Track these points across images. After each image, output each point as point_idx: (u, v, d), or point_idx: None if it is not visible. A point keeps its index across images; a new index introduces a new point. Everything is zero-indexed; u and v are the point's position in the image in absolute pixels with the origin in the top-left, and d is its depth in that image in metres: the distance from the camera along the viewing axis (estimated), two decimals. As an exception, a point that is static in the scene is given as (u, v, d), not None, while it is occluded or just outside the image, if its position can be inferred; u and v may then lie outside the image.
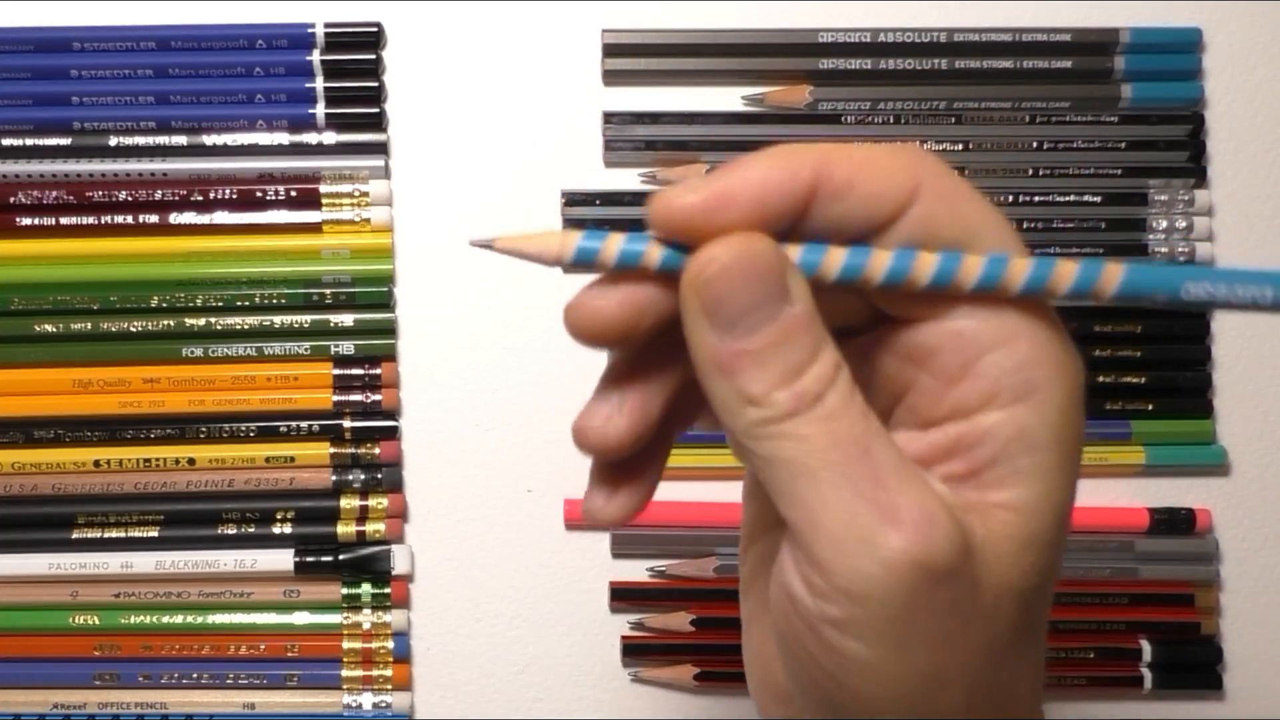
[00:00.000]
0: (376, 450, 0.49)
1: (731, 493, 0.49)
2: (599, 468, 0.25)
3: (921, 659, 0.21)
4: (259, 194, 0.49)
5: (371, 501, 0.49)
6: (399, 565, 0.48)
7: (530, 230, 0.23)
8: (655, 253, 0.22)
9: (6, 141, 0.49)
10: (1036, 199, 0.49)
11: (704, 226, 0.22)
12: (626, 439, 0.24)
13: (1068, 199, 0.50)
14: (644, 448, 0.24)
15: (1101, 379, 0.49)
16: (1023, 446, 0.22)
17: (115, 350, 0.49)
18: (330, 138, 0.49)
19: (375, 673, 0.48)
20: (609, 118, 0.49)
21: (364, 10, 0.50)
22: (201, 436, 0.49)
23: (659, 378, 0.24)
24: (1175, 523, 0.49)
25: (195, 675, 0.48)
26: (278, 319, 0.49)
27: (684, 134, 0.49)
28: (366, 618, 0.48)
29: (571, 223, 0.49)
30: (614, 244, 0.22)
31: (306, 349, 0.49)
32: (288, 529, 0.48)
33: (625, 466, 0.25)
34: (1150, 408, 0.50)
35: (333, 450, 0.49)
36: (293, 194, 0.49)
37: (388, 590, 0.48)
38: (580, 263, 0.23)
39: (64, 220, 0.49)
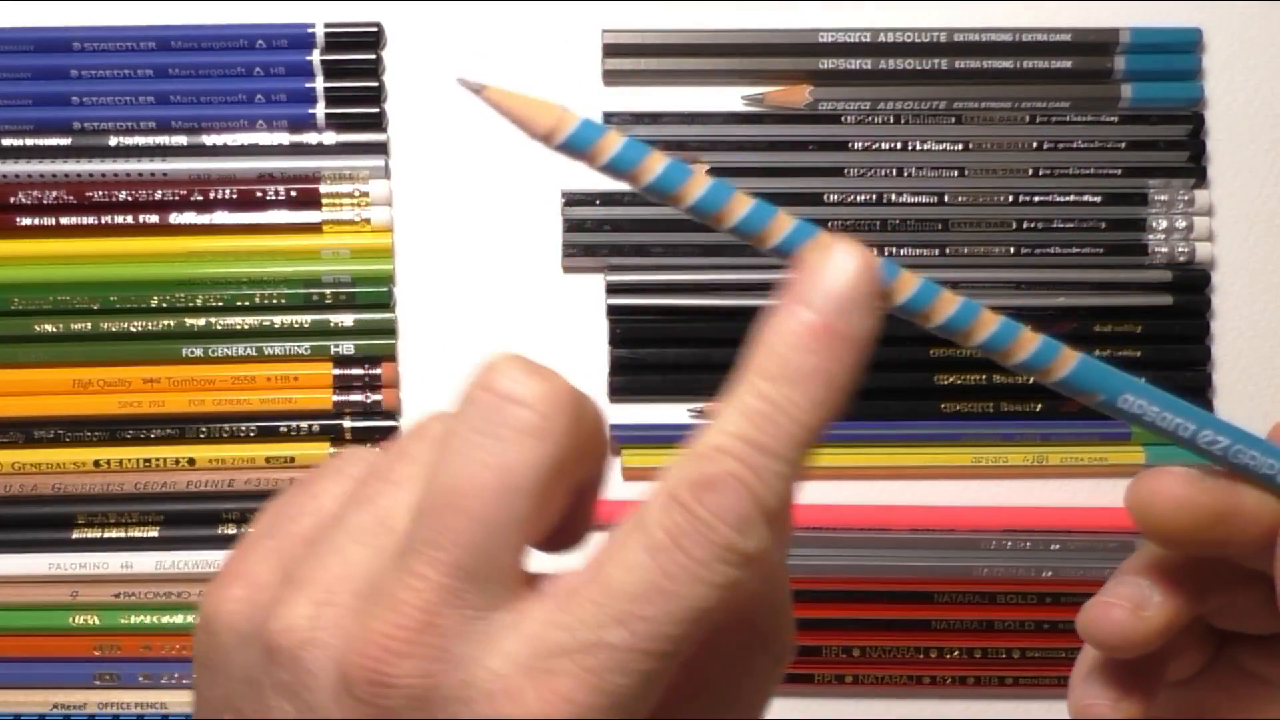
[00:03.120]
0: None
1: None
2: (1106, 664, 0.23)
3: None
4: (259, 194, 0.49)
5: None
6: (399, 565, 0.48)
7: (528, 93, 0.20)
8: (656, 164, 0.20)
9: (6, 141, 0.49)
10: (1036, 199, 0.49)
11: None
12: (1154, 637, 0.22)
13: (1068, 199, 0.50)
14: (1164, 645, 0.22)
15: (1101, 379, 0.49)
16: None
17: (115, 350, 0.49)
18: (330, 138, 0.49)
19: (375, 673, 0.48)
20: (609, 118, 0.49)
21: (364, 10, 0.50)
22: (201, 436, 0.49)
23: (1215, 580, 0.22)
24: (1175, 523, 0.49)
25: (195, 675, 0.48)
26: (278, 319, 0.49)
27: (684, 134, 0.49)
28: (366, 618, 0.48)
29: (571, 223, 0.49)
30: (613, 141, 0.20)
31: (306, 349, 0.49)
32: (288, 529, 0.48)
33: (1133, 663, 0.23)
34: (1150, 408, 0.50)
35: (333, 450, 0.49)
36: (293, 194, 0.49)
37: (388, 590, 0.48)
38: (571, 147, 0.20)
39: (64, 220, 0.49)
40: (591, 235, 0.49)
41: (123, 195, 0.49)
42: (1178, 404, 0.22)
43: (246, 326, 0.49)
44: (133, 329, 0.49)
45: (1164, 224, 0.50)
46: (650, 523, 0.18)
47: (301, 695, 0.18)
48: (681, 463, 0.19)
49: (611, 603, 0.18)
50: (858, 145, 0.49)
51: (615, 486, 0.49)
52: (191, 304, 0.49)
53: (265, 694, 0.19)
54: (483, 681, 0.18)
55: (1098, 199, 0.50)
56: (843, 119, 0.50)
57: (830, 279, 0.20)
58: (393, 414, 0.49)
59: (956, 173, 0.49)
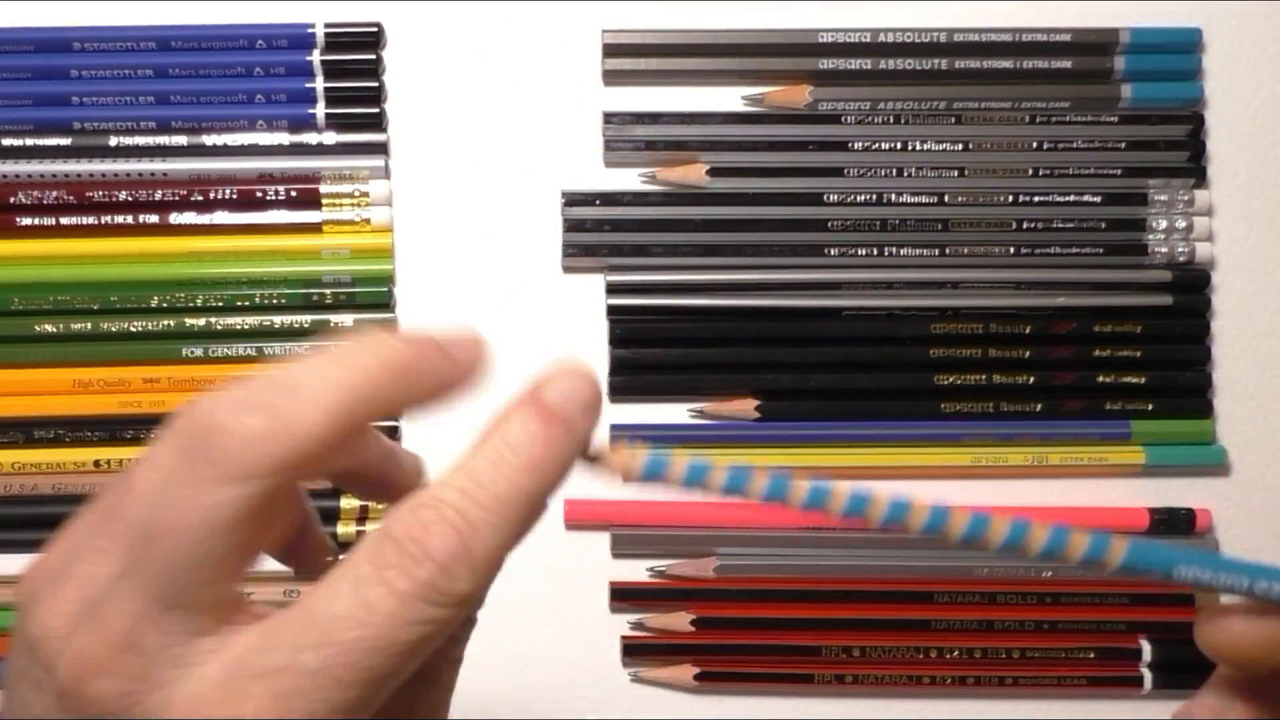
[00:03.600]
0: (376, 450, 0.49)
1: (731, 493, 0.49)
2: None
3: None
4: (259, 194, 0.49)
5: (371, 501, 0.49)
6: (399, 565, 0.48)
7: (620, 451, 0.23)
8: (721, 475, 0.23)
9: (6, 141, 0.49)
10: (1036, 199, 0.49)
11: None
12: None
13: (1068, 199, 0.50)
14: None
15: (1101, 379, 0.49)
16: None
17: (115, 350, 0.49)
18: (330, 138, 0.49)
19: (375, 673, 0.48)
20: (609, 118, 0.49)
21: (364, 10, 0.50)
22: (201, 436, 0.49)
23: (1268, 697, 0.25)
24: (1175, 523, 0.49)
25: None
26: (278, 319, 0.49)
27: (684, 134, 0.49)
28: (366, 618, 0.48)
29: (571, 223, 0.49)
30: (681, 466, 0.24)
31: (307, 349, 0.49)
32: (288, 529, 0.48)
33: None
34: (1150, 408, 0.50)
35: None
36: (293, 194, 0.49)
37: (388, 590, 0.48)
38: (650, 479, 0.24)
39: (64, 220, 0.49)
40: (591, 235, 0.49)
41: (123, 195, 0.49)
42: (1229, 563, 0.24)
43: (246, 326, 0.49)
44: (133, 329, 0.49)
45: (1164, 224, 0.50)
46: (359, 556, 0.20)
47: (40, 694, 0.20)
48: (401, 506, 0.21)
49: (310, 629, 0.19)
50: (858, 145, 0.49)
51: (616, 486, 0.49)
52: (191, 304, 0.49)
53: (25, 685, 0.20)
54: (179, 701, 0.19)
55: (1098, 199, 0.50)
56: (843, 119, 0.50)
57: (569, 381, 0.23)
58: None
59: (956, 173, 0.49)
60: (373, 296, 0.49)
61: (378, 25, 0.50)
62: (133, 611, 0.19)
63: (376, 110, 0.49)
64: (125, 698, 0.19)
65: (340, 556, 0.21)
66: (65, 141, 0.49)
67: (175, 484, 0.20)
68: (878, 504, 0.23)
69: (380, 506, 0.49)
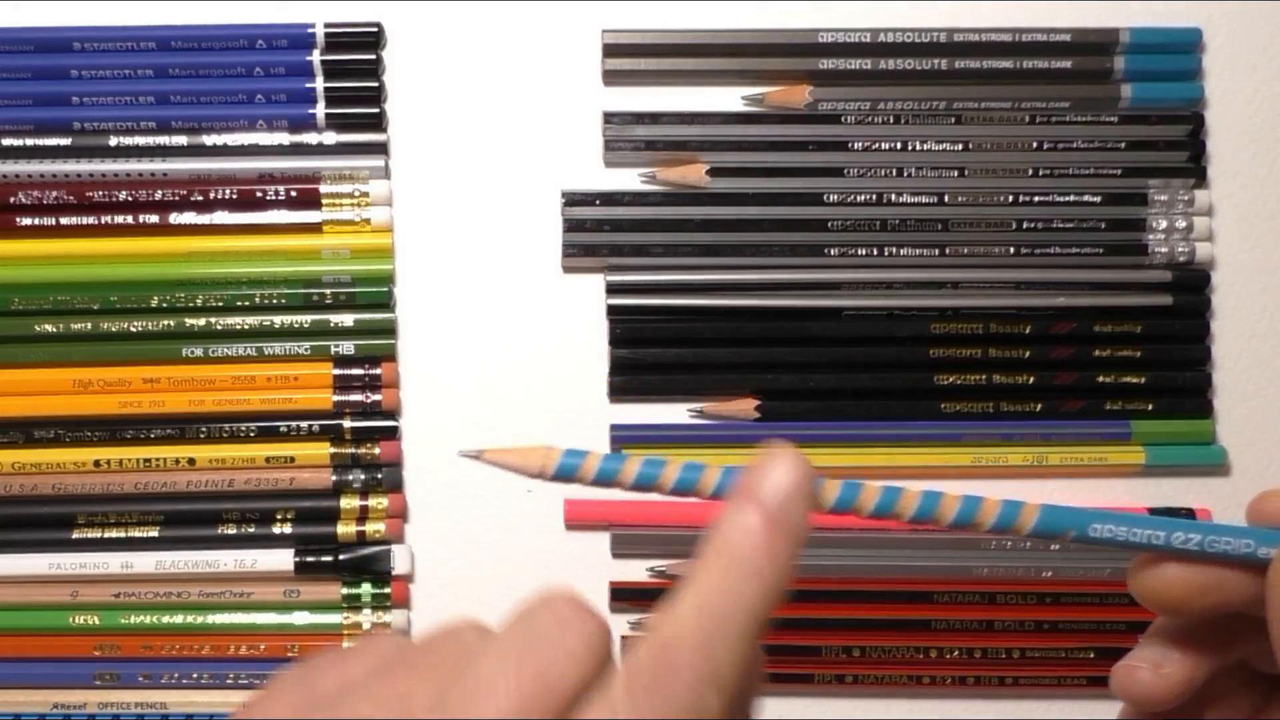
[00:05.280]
0: (376, 450, 0.49)
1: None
2: None
3: None
4: (259, 194, 0.49)
5: (371, 501, 0.49)
6: (399, 565, 0.48)
7: (515, 445, 0.24)
8: (632, 469, 0.23)
9: (6, 141, 0.49)
10: (1036, 199, 0.49)
11: None
12: (1174, 693, 0.25)
13: (1068, 199, 0.50)
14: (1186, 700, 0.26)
15: (1101, 379, 0.49)
16: None
17: (115, 350, 0.49)
18: (330, 138, 0.49)
19: (375, 673, 0.48)
20: (609, 118, 0.49)
21: (364, 10, 0.50)
22: (201, 436, 0.49)
23: (1233, 632, 0.25)
24: (1175, 523, 0.49)
25: (195, 675, 0.49)
26: (278, 319, 0.49)
27: (684, 134, 0.49)
28: (367, 618, 0.48)
29: (571, 223, 0.49)
30: (593, 462, 0.24)
31: (306, 349, 0.49)
32: (288, 529, 0.48)
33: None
34: (1150, 408, 0.50)
35: (333, 450, 0.49)
36: (293, 194, 0.49)
37: (388, 590, 0.48)
38: (561, 477, 0.24)
39: (64, 220, 0.49)
40: (591, 235, 0.49)
41: (123, 195, 0.49)
42: (1142, 519, 0.25)
43: (246, 326, 0.49)
44: (133, 329, 0.49)
45: (1164, 224, 0.50)
46: (615, 694, 0.20)
47: None
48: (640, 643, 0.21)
49: None
50: (858, 145, 0.49)
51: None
52: (191, 304, 0.49)
53: None
54: None
55: (1098, 199, 0.50)
56: (843, 119, 0.49)
57: (775, 478, 0.22)
58: (393, 414, 0.49)
59: (956, 173, 0.49)
60: (373, 296, 0.49)
61: (378, 25, 0.50)
62: None
63: (376, 110, 0.49)
64: None
65: None
66: (65, 141, 0.49)
67: (504, 655, 0.20)
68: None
69: (380, 505, 0.49)
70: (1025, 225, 0.49)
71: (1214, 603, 0.25)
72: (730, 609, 0.21)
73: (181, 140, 0.49)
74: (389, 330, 0.49)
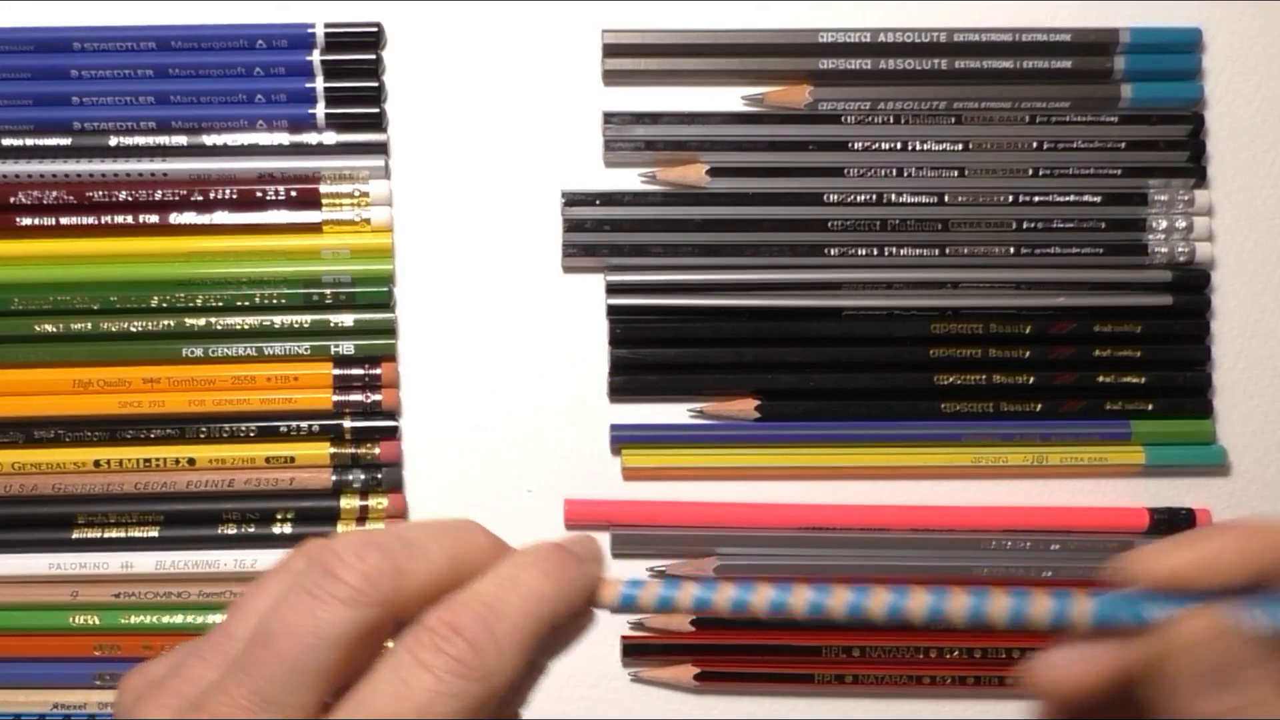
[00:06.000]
0: (376, 450, 0.49)
1: (732, 493, 0.49)
2: None
3: None
4: (259, 194, 0.49)
5: (371, 501, 0.49)
6: (399, 565, 0.48)
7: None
8: (689, 594, 0.26)
9: (6, 141, 0.49)
10: (1036, 199, 0.49)
11: (1189, 585, 0.24)
12: (1091, 687, 0.27)
13: (1068, 199, 0.50)
14: None
15: (1101, 379, 0.49)
16: None
17: (115, 350, 0.49)
18: (330, 138, 0.49)
19: (375, 673, 0.48)
20: (609, 118, 0.49)
21: (364, 10, 0.50)
22: (201, 436, 0.49)
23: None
24: (1175, 523, 0.49)
25: (195, 675, 0.48)
26: (278, 319, 0.49)
27: (684, 134, 0.49)
28: (366, 618, 0.48)
29: (571, 223, 0.49)
30: (653, 590, 0.26)
31: (306, 349, 0.49)
32: (288, 529, 0.48)
33: None
34: (1150, 408, 0.50)
35: (333, 450, 0.49)
36: (293, 194, 0.49)
37: (388, 590, 0.48)
38: (625, 608, 0.26)
39: (64, 220, 0.49)
40: (591, 235, 0.49)
41: (123, 195, 0.49)
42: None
43: (246, 326, 0.49)
44: (133, 329, 0.49)
45: (1164, 224, 0.50)
46: (397, 647, 0.22)
47: None
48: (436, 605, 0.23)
49: (360, 714, 0.22)
50: (858, 145, 0.49)
51: (616, 486, 0.49)
52: (191, 304, 0.49)
53: None
54: None
55: (1098, 199, 0.50)
56: (843, 119, 0.49)
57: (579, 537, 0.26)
58: (393, 414, 0.49)
59: (956, 173, 0.49)
60: (373, 296, 0.49)
61: (378, 25, 0.50)
62: (230, 704, 0.21)
63: (376, 110, 0.49)
64: None
65: None
66: (65, 141, 0.49)
67: (294, 597, 0.22)
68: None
69: (380, 506, 0.49)
70: (1025, 225, 0.49)
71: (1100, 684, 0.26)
72: (519, 587, 0.24)
73: (181, 140, 0.49)
74: (389, 330, 0.49)
